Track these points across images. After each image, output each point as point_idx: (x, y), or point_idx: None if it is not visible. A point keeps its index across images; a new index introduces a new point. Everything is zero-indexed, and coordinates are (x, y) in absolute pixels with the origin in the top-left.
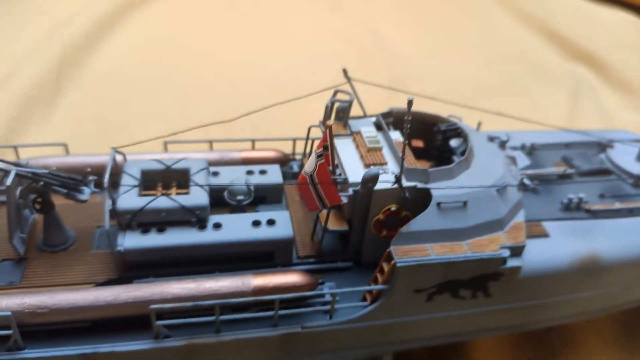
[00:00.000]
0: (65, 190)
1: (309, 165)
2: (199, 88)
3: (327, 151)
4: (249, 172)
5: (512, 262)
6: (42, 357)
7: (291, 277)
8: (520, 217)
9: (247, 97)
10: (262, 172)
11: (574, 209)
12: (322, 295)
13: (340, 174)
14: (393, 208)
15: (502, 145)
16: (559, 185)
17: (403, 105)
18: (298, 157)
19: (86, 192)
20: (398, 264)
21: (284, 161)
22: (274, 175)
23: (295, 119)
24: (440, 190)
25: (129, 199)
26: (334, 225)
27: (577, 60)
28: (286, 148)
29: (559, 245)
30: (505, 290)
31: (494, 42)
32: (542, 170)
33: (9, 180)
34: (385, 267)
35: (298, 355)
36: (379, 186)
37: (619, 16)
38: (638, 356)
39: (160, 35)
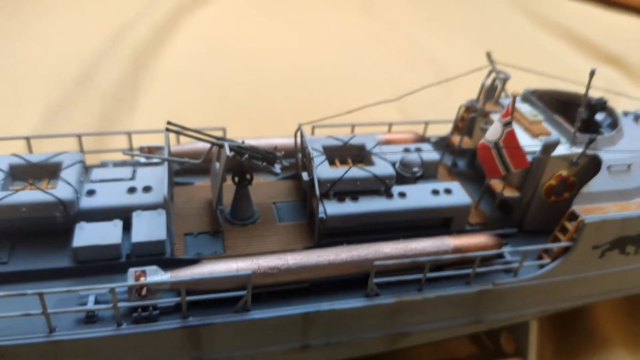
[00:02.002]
0: (264, 164)
1: (492, 133)
2: (266, 86)
3: (512, 120)
4: (406, 150)
5: None
6: (268, 317)
7: (481, 238)
8: None
9: (310, 91)
10: (418, 149)
11: None
12: (503, 256)
13: None
14: (564, 173)
15: (637, 119)
16: None
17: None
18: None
19: (278, 167)
20: (586, 220)
21: (420, 141)
22: (428, 152)
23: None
24: (607, 155)
25: (325, 170)
26: (505, 193)
27: (605, 62)
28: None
29: None
30: None
31: (518, 46)
32: None
33: (226, 152)
34: (569, 225)
35: (484, 313)
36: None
37: (631, 21)
38: None
39: (217, 38)
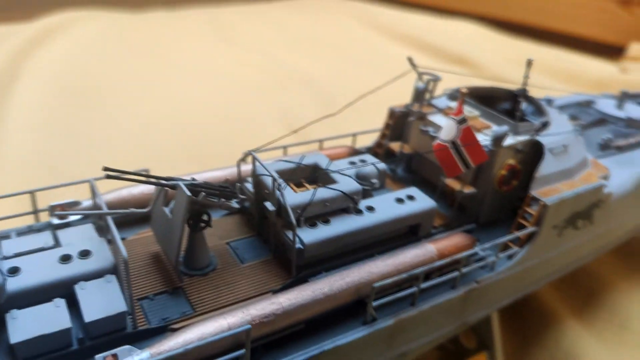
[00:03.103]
0: (222, 200)
1: (447, 133)
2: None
3: (467, 118)
4: (352, 163)
5: (606, 190)
6: None
7: (456, 239)
8: (589, 157)
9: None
10: (362, 161)
11: (607, 148)
12: (476, 254)
13: None
14: (512, 162)
15: (549, 102)
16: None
17: None
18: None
19: (234, 202)
20: (548, 202)
21: (357, 154)
22: (377, 163)
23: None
24: (544, 139)
25: (291, 196)
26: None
27: (453, 63)
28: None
29: (618, 174)
30: (601, 216)
31: (376, 57)
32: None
33: (185, 192)
34: (531, 210)
35: (469, 314)
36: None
37: (470, 27)
38: None
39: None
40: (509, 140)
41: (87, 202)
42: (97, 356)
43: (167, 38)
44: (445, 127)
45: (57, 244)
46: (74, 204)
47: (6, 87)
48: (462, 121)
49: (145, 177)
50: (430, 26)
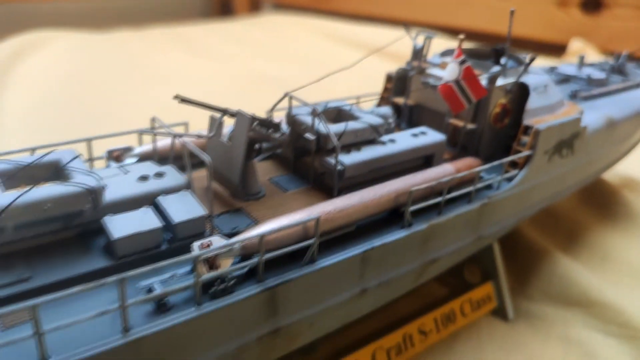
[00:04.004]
0: (271, 130)
1: (450, 74)
2: None
3: (467, 59)
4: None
5: (582, 124)
6: (334, 263)
7: (467, 161)
8: (565, 99)
9: None
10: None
11: (575, 97)
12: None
13: None
14: (503, 101)
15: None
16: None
17: None
18: None
19: (279, 134)
20: (540, 128)
21: None
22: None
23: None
24: (528, 80)
25: (328, 126)
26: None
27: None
28: None
29: (588, 115)
30: (579, 147)
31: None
32: None
33: (245, 116)
34: (526, 138)
35: (483, 228)
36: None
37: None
38: None
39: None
40: (499, 82)
41: (137, 149)
42: (194, 244)
43: (136, 53)
44: (448, 69)
45: (127, 173)
46: (128, 149)
47: None
48: (463, 62)
49: (209, 106)
50: (382, 34)
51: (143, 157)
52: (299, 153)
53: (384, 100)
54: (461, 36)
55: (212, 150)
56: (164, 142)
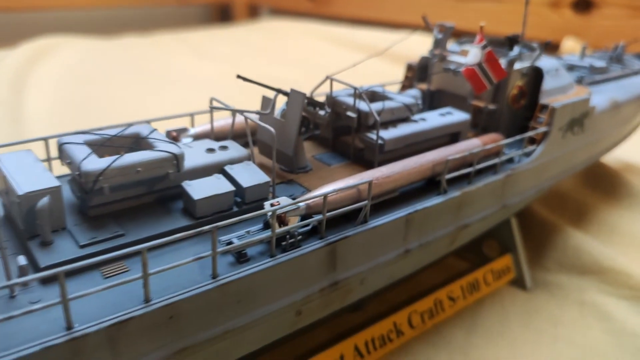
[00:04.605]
0: (317, 109)
1: (473, 58)
2: None
3: (494, 45)
4: None
5: (591, 104)
6: (384, 223)
7: (492, 136)
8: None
9: None
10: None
11: (581, 83)
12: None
13: None
14: (520, 83)
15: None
16: None
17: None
18: None
19: (323, 112)
20: (556, 106)
21: None
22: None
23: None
24: (542, 64)
25: (368, 105)
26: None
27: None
28: None
29: (596, 97)
30: (588, 125)
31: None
32: None
33: (300, 93)
34: (542, 115)
35: (507, 198)
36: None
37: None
38: None
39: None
40: (516, 65)
41: (192, 130)
42: (266, 202)
43: (145, 57)
44: (471, 54)
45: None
46: (185, 130)
47: (14, 101)
48: (485, 46)
49: (264, 85)
50: (381, 37)
51: (196, 137)
52: (338, 132)
53: (405, 87)
54: (482, 23)
55: (261, 127)
56: (217, 123)
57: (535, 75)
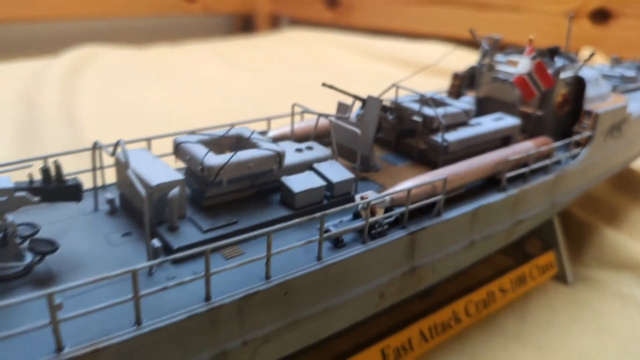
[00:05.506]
0: (387, 113)
1: (523, 68)
2: None
3: (538, 56)
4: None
5: (628, 110)
6: (455, 216)
7: (542, 139)
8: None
9: None
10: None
11: (615, 91)
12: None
13: None
14: (564, 92)
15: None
16: None
17: None
18: None
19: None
20: (600, 112)
21: None
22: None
23: None
24: (584, 73)
25: (431, 110)
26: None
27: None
28: None
29: (630, 104)
30: (626, 131)
31: (359, 73)
32: None
33: (377, 99)
34: (587, 120)
35: (556, 196)
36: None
37: (438, 47)
38: None
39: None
40: (561, 75)
41: (271, 132)
42: (356, 195)
43: (177, 66)
44: (521, 64)
45: None
46: (264, 133)
47: (68, 106)
48: (534, 57)
49: (345, 92)
50: (402, 47)
51: (275, 139)
52: (401, 135)
53: (451, 95)
54: (531, 37)
55: (339, 129)
56: (287, 128)
57: (577, 84)
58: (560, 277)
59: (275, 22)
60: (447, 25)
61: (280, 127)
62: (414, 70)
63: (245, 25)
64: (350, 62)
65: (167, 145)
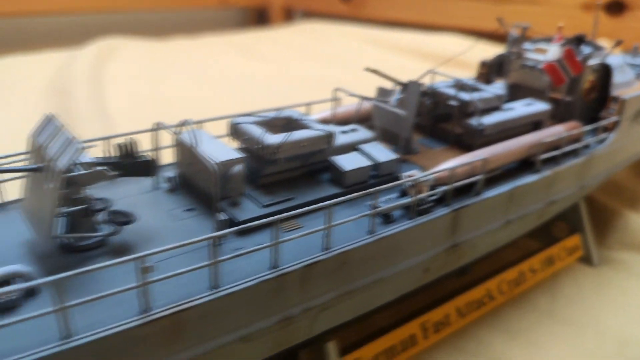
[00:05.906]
0: (425, 98)
1: (553, 55)
2: None
3: (568, 43)
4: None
5: None
6: (495, 195)
7: (571, 123)
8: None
9: None
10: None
11: (638, 79)
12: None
13: None
14: (591, 78)
15: None
16: None
17: None
18: None
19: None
20: (626, 98)
21: None
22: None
23: None
24: (609, 61)
25: (467, 95)
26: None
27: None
28: None
29: None
30: None
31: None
32: None
33: (418, 84)
34: (614, 105)
35: (586, 179)
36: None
37: (454, 39)
38: None
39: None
40: (588, 62)
41: (313, 117)
42: (403, 174)
43: (197, 58)
44: (551, 51)
45: None
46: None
47: (98, 97)
48: (564, 44)
49: (387, 76)
50: (418, 39)
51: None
52: (436, 119)
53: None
54: (560, 24)
55: (379, 113)
56: (328, 112)
57: (604, 71)
58: (586, 259)
59: (288, 15)
60: (463, 18)
61: (320, 112)
62: (430, 62)
63: (259, 17)
64: (366, 54)
65: (214, 129)
